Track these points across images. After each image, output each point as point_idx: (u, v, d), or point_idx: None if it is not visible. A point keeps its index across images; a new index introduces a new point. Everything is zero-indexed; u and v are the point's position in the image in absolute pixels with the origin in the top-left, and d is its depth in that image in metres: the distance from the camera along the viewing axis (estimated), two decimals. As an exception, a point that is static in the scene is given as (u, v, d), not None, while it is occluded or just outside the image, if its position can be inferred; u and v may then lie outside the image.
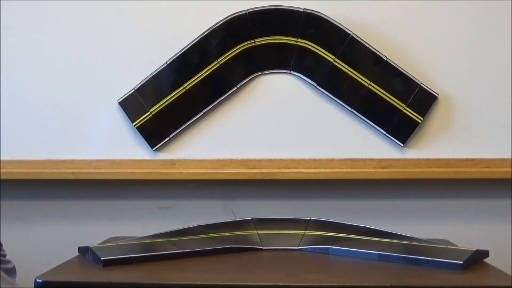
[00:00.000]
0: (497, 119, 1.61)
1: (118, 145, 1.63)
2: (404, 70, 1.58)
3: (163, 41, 1.61)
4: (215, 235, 1.37)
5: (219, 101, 1.61)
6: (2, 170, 1.60)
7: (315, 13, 1.58)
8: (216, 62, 1.60)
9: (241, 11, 1.59)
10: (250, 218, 1.44)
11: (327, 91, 1.60)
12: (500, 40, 1.60)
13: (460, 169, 1.59)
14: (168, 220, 1.65)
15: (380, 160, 1.60)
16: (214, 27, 1.59)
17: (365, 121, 1.60)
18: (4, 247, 1.26)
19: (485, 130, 1.61)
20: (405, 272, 1.17)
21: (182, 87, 1.60)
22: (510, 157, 1.59)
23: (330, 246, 1.32)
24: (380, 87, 1.58)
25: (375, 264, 1.23)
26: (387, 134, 1.59)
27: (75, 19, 1.64)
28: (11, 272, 1.22)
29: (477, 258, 1.24)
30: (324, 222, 1.41)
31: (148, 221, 1.66)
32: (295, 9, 1.59)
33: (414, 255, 1.22)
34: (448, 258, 1.19)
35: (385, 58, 1.58)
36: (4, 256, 1.24)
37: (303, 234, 1.39)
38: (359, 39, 1.58)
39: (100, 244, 1.33)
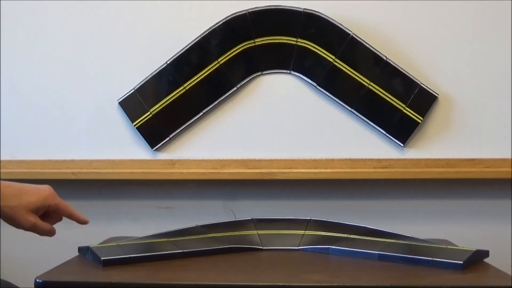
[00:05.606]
0: (497, 119, 1.61)
1: (118, 145, 1.63)
2: (404, 70, 1.58)
3: (163, 41, 1.61)
4: (215, 235, 1.37)
5: (219, 101, 1.61)
6: (2, 170, 1.60)
7: (315, 13, 1.58)
8: (216, 62, 1.60)
9: (241, 11, 1.59)
10: (250, 218, 1.44)
11: (327, 91, 1.60)
12: (500, 40, 1.60)
13: (460, 169, 1.59)
14: (168, 220, 1.65)
15: (380, 160, 1.60)
16: (214, 27, 1.59)
17: (365, 121, 1.60)
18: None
19: (485, 130, 1.61)
20: (405, 272, 1.16)
21: (182, 87, 1.60)
22: (510, 157, 1.59)
23: (330, 246, 1.32)
24: (380, 87, 1.58)
25: (375, 264, 1.22)
26: (387, 134, 1.59)
27: (75, 19, 1.64)
28: None
29: (477, 258, 1.23)
30: (324, 222, 1.41)
31: (148, 221, 1.66)
32: (295, 9, 1.59)
33: (414, 255, 1.22)
34: (448, 258, 1.19)
35: (385, 58, 1.58)
36: None
37: (303, 234, 1.39)
38: (359, 39, 1.58)
39: (100, 244, 1.33)
